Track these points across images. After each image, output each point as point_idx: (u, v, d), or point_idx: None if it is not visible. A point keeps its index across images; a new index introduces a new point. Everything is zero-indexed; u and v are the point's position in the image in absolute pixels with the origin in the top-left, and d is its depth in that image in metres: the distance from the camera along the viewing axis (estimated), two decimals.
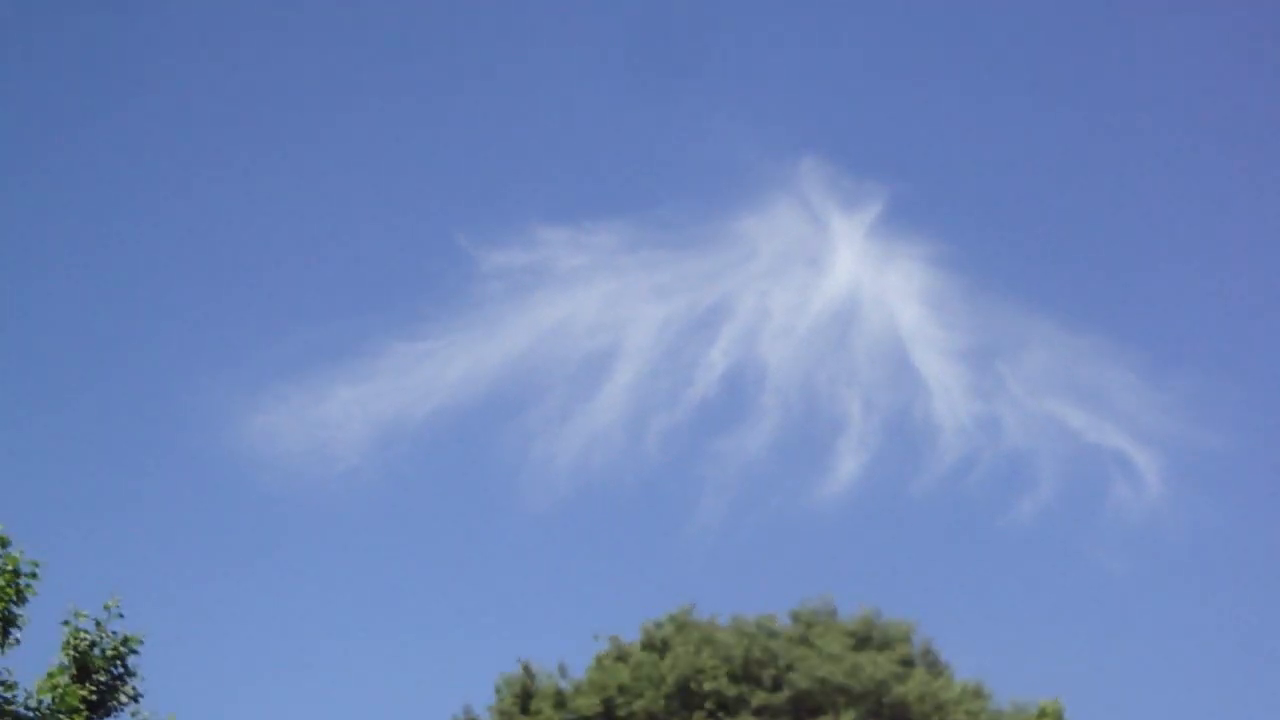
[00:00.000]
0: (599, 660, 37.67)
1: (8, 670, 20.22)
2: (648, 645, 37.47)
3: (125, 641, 21.34)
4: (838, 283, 73.22)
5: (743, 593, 68.78)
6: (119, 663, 21.31)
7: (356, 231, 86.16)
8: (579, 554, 77.17)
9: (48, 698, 20.04)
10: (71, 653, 20.94)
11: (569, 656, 38.14)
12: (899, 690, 35.78)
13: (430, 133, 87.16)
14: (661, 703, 35.54)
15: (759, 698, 35.14)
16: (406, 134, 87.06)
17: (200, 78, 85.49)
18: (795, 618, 38.43)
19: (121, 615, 21.46)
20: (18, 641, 20.33)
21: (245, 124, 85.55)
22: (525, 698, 37.26)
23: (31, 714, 19.91)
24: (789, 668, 35.99)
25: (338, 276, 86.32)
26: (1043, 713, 39.56)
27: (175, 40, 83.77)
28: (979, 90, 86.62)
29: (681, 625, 37.79)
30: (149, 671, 21.70)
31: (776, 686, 35.73)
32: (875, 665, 36.07)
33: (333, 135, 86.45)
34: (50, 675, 20.48)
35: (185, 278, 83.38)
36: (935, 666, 38.16)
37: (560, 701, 36.50)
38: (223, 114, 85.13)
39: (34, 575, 20.10)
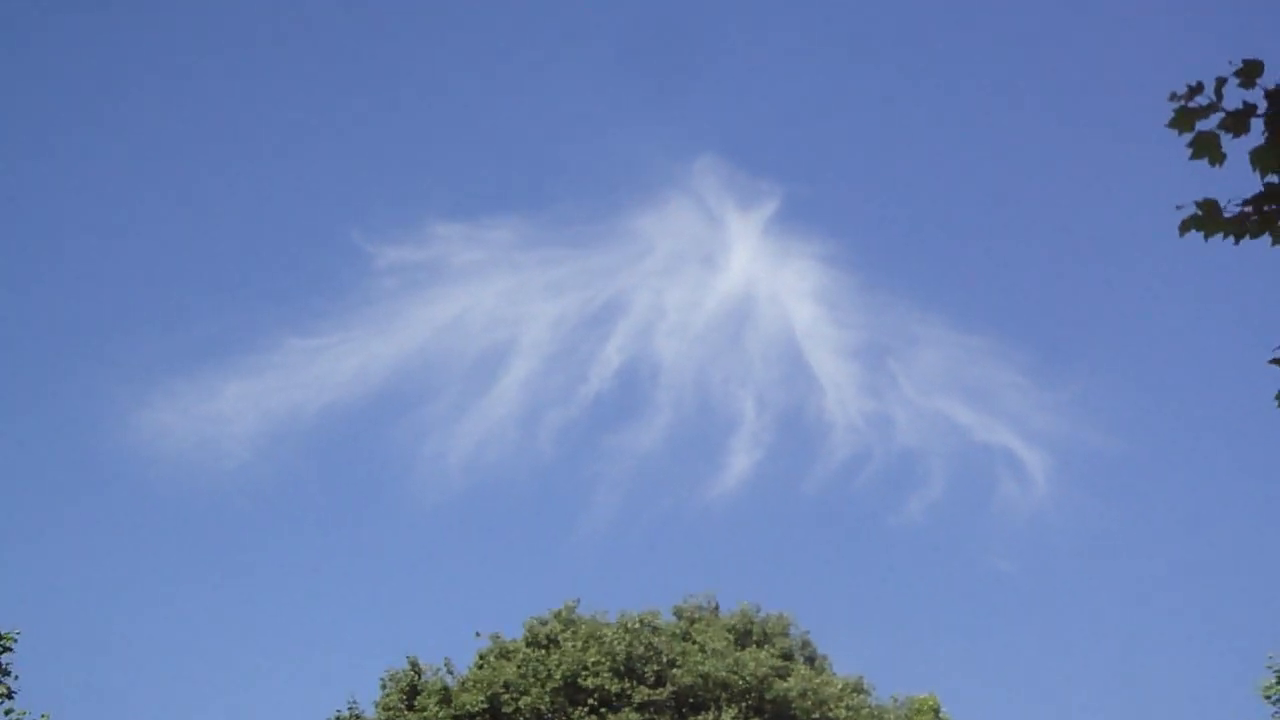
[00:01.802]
0: (482, 657, 37.98)
1: None
2: (532, 642, 37.82)
3: None
4: (732, 280, 74.09)
5: (635, 588, 69.45)
6: None
7: (249, 226, 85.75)
8: (470, 550, 77.43)
9: None
10: None
11: (456, 653, 38.49)
12: (780, 686, 36.41)
13: (325, 129, 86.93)
14: (547, 699, 35.87)
15: (641, 693, 35.60)
16: (301, 129, 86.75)
17: (92, 64, 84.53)
18: (678, 614, 39.01)
19: None
20: None
21: (135, 112, 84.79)
22: (411, 693, 37.47)
23: None
24: (672, 664, 36.50)
25: (230, 271, 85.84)
26: (919, 708, 40.48)
27: (53, 30, 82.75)
28: (873, 91, 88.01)
29: (568, 622, 38.16)
30: (24, 668, 21.75)
31: (659, 682, 36.24)
32: (757, 661, 36.67)
33: (228, 128, 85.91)
34: None
35: (73, 271, 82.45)
36: (814, 661, 38.92)
37: (446, 698, 36.73)
38: (113, 101, 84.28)
39: None
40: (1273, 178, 8.42)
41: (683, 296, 75.95)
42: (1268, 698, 31.04)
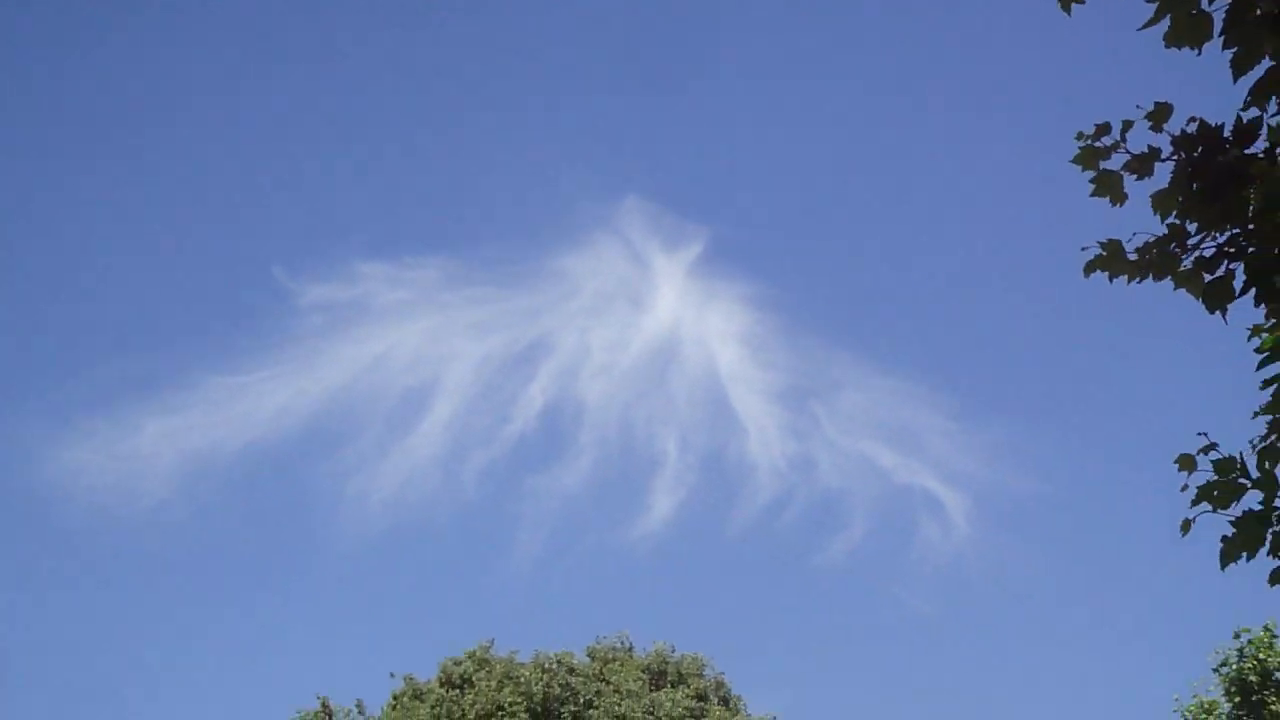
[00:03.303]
0: (396, 698, 37.54)
1: None
2: (445, 682, 37.43)
3: None
4: (658, 321, 74.19)
5: (557, 628, 68.93)
6: None
7: (170, 261, 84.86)
8: (391, 590, 76.73)
9: None
10: None
11: (371, 694, 38.01)
12: None
13: (249, 165, 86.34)
14: None
15: None
16: (224, 165, 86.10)
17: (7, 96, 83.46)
18: (592, 654, 38.76)
19: None
20: None
21: (52, 140, 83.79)
22: None
23: None
24: (589, 704, 36.21)
25: (149, 307, 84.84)
26: None
27: None
28: (797, 134, 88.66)
29: (482, 662, 37.80)
30: None
31: None
32: (673, 702, 36.48)
33: (149, 159, 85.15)
34: None
35: None
36: (729, 702, 38.79)
37: None
38: (28, 131, 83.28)
39: None
40: (1174, 220, 8.46)
41: (608, 337, 75.92)
42: None
